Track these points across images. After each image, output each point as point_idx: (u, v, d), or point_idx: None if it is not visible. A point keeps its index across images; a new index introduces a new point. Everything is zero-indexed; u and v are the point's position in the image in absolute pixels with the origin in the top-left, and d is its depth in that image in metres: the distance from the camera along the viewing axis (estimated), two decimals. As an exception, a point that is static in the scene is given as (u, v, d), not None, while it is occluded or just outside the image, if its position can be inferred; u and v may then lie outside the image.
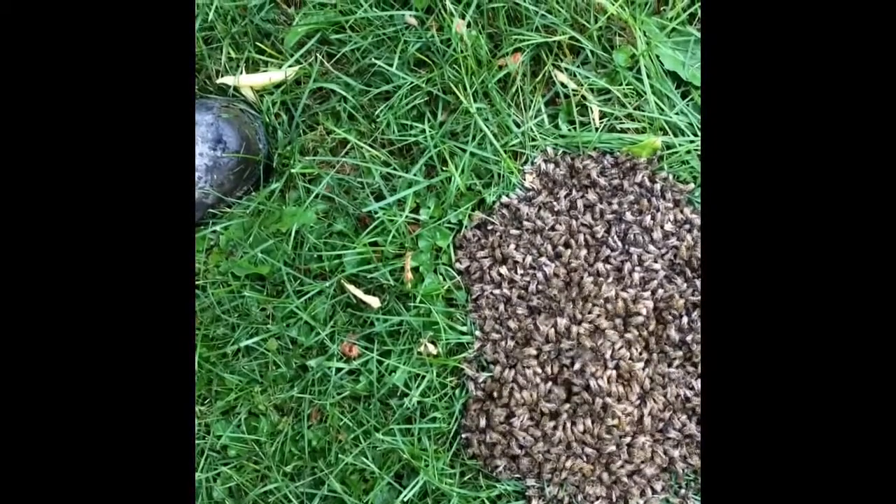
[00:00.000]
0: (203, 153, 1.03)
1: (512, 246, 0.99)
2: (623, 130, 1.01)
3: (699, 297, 0.95)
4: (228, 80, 1.07)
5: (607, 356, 0.94)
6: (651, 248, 0.97)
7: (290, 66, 1.05)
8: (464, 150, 0.99)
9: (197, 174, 1.03)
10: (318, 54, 1.04)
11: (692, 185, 1.00)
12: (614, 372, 0.94)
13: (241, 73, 1.06)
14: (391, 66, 1.00)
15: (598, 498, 0.95)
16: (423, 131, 0.99)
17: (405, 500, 0.92)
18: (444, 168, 0.99)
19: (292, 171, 1.01)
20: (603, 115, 1.01)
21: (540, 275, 0.97)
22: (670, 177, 1.00)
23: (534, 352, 0.95)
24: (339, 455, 0.94)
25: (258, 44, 1.06)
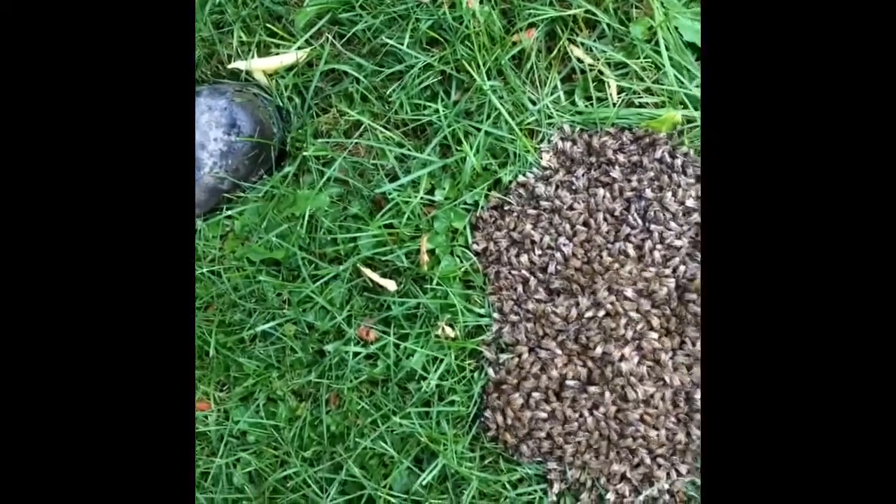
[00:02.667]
0: (217, 138, 1.02)
1: (529, 226, 0.97)
2: (642, 105, 0.98)
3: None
4: (240, 64, 1.06)
5: (628, 337, 0.92)
6: (672, 224, 0.94)
7: (300, 48, 1.04)
8: (478, 130, 0.97)
9: (212, 160, 1.02)
10: (329, 35, 1.03)
11: (714, 160, 0.97)
12: (636, 353, 0.92)
13: (253, 56, 1.06)
14: (403, 45, 0.98)
15: (621, 480, 0.93)
16: (437, 111, 0.98)
17: (424, 483, 0.91)
18: (458, 148, 0.97)
19: (305, 154, 1.00)
20: (621, 90, 0.99)
21: (559, 255, 0.95)
22: (691, 152, 0.97)
23: (553, 333, 0.94)
24: (358, 439, 0.93)
25: (269, 26, 1.05)
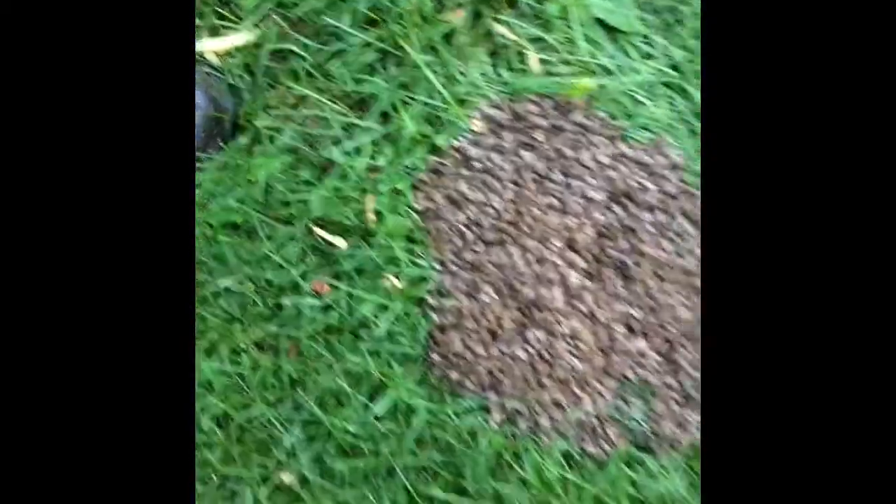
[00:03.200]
0: (173, 116, 1.10)
1: (464, 186, 1.08)
2: (559, 75, 1.10)
3: (635, 223, 1.05)
4: (193, 46, 1.14)
5: (555, 280, 1.04)
6: (590, 179, 1.07)
7: (249, 30, 1.13)
8: (415, 100, 1.07)
9: (168, 136, 1.10)
10: (275, 17, 1.12)
11: (624, 122, 1.09)
12: (562, 294, 1.04)
13: (205, 39, 1.14)
14: (344, 25, 1.08)
15: (554, 406, 1.05)
16: (377, 84, 1.08)
17: (378, 415, 1.01)
18: (397, 117, 1.07)
19: (257, 125, 1.08)
20: (542, 62, 1.10)
21: (491, 210, 1.07)
22: (605, 115, 1.10)
23: (490, 280, 1.05)
24: (316, 376, 1.02)
25: (218, 10, 1.14)
